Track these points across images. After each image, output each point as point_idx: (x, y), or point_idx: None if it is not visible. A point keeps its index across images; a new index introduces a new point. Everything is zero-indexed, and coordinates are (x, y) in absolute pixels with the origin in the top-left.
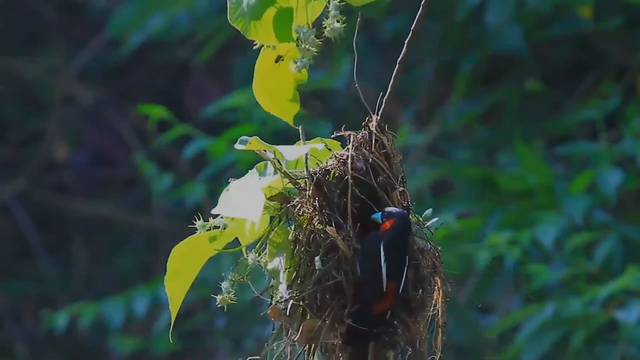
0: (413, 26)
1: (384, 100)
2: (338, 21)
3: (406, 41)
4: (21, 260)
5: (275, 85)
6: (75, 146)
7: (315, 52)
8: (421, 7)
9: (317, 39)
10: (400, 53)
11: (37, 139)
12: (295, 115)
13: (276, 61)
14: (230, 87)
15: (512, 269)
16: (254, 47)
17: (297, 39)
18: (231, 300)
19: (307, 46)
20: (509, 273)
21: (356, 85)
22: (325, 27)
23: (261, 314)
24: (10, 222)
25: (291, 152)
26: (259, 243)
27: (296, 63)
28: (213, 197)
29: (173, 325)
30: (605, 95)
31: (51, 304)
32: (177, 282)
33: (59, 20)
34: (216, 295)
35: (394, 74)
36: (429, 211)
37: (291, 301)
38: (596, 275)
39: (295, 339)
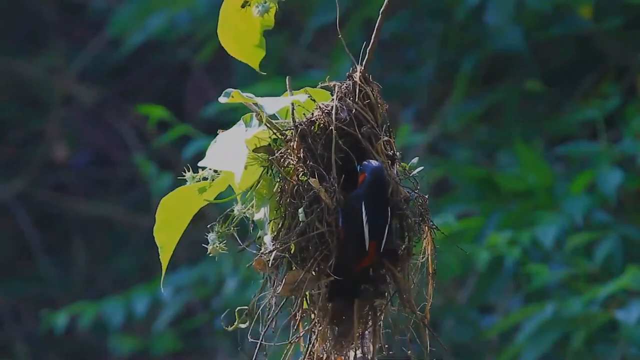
0: None
1: (367, 51)
2: None
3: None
4: (21, 260)
5: (241, 30)
6: (75, 146)
7: None
8: None
9: None
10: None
11: (37, 139)
12: (261, 61)
13: (242, 6)
14: (230, 87)
15: (512, 269)
16: None
17: None
18: (221, 250)
19: None
20: (509, 273)
21: (339, 36)
22: None
23: (247, 265)
24: (10, 222)
25: (272, 104)
26: (248, 194)
27: (258, 7)
28: None
29: (164, 278)
30: (605, 95)
31: (51, 304)
32: (167, 232)
33: (59, 20)
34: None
35: (376, 24)
36: (414, 160)
37: (275, 252)
38: (596, 275)
39: (278, 290)
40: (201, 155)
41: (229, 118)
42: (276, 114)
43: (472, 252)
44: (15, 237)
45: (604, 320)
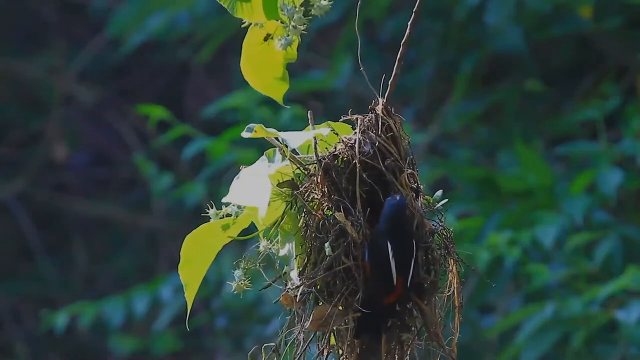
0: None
1: (389, 83)
2: None
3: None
4: (21, 260)
5: (264, 63)
6: (75, 146)
7: (303, 30)
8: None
9: (304, 16)
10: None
11: (37, 139)
12: (285, 94)
13: (265, 39)
14: (230, 87)
15: (512, 269)
16: (242, 26)
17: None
18: (246, 287)
19: (293, 24)
20: (509, 273)
21: (361, 68)
22: (312, 5)
23: (274, 301)
24: (10, 222)
25: (296, 139)
26: (272, 230)
27: (281, 41)
28: (213, 197)
29: (189, 314)
30: (605, 95)
31: (51, 304)
32: (191, 270)
33: (59, 20)
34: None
35: (398, 56)
36: (439, 192)
37: (302, 287)
38: (596, 275)
39: (306, 325)
40: (201, 155)
41: (229, 118)
42: (296, 149)
43: (472, 252)
44: (15, 237)
45: (604, 320)
